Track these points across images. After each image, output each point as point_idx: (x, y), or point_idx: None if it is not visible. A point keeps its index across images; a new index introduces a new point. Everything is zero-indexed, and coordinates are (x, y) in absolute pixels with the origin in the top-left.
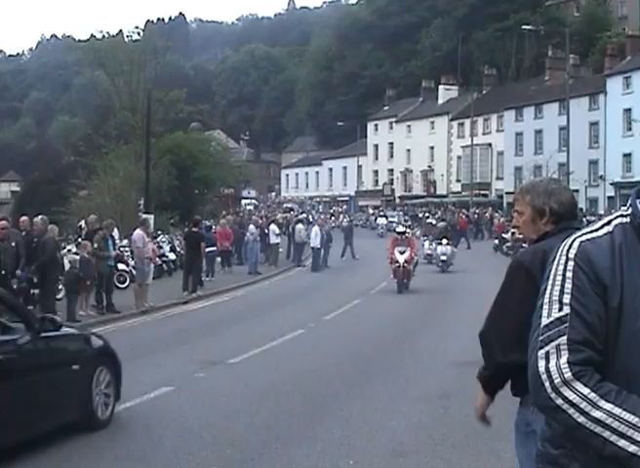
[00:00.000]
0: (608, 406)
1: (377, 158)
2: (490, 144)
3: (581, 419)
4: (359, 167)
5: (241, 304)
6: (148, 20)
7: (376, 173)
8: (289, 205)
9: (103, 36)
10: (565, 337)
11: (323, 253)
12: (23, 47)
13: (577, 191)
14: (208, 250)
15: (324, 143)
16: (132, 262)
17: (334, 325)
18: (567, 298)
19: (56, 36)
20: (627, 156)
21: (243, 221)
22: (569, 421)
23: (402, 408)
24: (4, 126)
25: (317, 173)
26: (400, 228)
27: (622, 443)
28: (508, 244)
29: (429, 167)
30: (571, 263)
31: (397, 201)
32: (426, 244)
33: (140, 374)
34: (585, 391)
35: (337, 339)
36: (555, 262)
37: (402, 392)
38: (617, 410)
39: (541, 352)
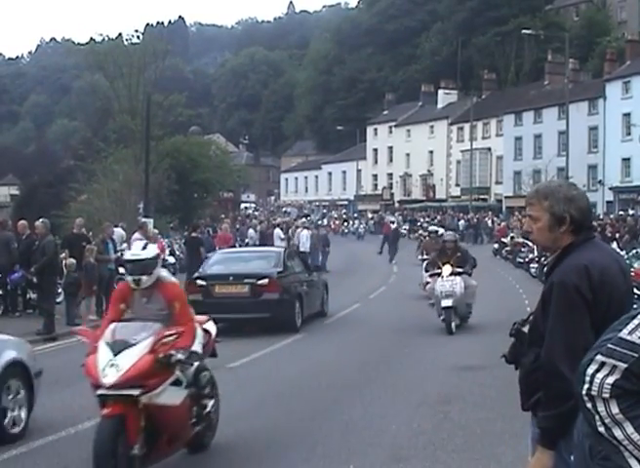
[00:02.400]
0: (630, 430)
1: (376, 162)
2: (489, 149)
3: (601, 429)
4: (358, 171)
5: None
6: (148, 24)
7: (375, 177)
8: (287, 209)
9: (103, 39)
10: (625, 365)
11: (321, 257)
12: (23, 50)
13: None
14: (207, 254)
15: (323, 147)
16: None
17: (333, 329)
18: None
19: (55, 39)
20: (626, 161)
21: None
22: (590, 422)
23: (402, 412)
24: (3, 129)
25: (316, 177)
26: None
27: (630, 461)
28: (508, 248)
29: (429, 171)
30: None
31: (396, 205)
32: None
33: None
34: (615, 411)
35: (336, 344)
36: None
37: (402, 397)
38: (636, 436)
39: (599, 358)
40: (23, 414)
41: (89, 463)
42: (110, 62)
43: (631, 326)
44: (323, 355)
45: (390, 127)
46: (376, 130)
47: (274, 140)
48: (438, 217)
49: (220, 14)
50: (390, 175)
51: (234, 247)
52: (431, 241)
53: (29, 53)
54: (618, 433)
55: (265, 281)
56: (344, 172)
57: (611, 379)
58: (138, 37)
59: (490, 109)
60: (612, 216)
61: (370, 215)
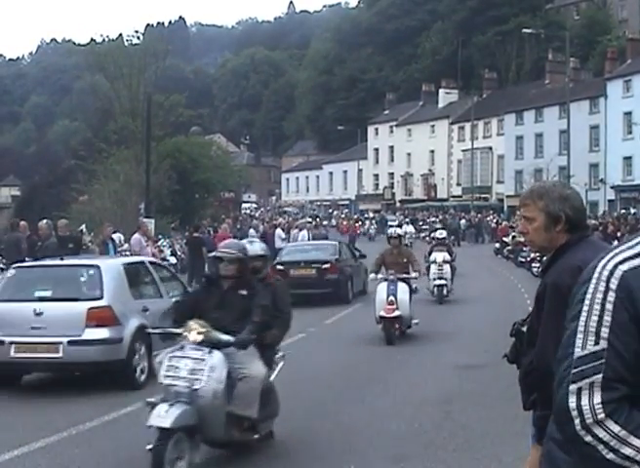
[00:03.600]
0: (637, 441)
1: (377, 162)
2: (490, 148)
3: (610, 456)
4: (359, 171)
5: None
6: (148, 24)
7: (376, 177)
8: (288, 209)
9: (103, 40)
10: (600, 376)
11: None
12: (23, 51)
13: None
14: (209, 255)
15: (324, 147)
16: None
17: (334, 329)
18: (605, 332)
19: (56, 40)
20: (628, 159)
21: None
22: (595, 455)
23: (403, 412)
24: (4, 130)
25: (317, 177)
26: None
27: None
28: (509, 248)
29: (430, 171)
30: (612, 295)
31: (398, 205)
32: (433, 269)
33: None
34: (616, 429)
35: (337, 343)
36: (592, 287)
37: (403, 396)
38: None
39: (573, 387)
40: (146, 365)
41: (89, 463)
42: (111, 63)
43: (579, 341)
44: (323, 355)
45: (391, 126)
46: (377, 129)
47: (275, 140)
48: (439, 217)
49: (220, 14)
50: (391, 175)
51: None
52: (392, 250)
53: (30, 53)
54: (627, 450)
55: (328, 265)
56: (345, 171)
57: (597, 399)
58: (138, 38)
59: (491, 108)
60: (614, 215)
61: (371, 215)
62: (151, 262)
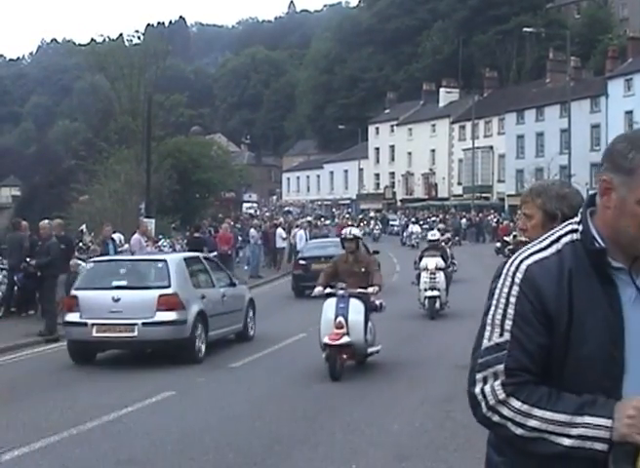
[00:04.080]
0: (540, 412)
1: (378, 161)
2: (491, 147)
3: (519, 431)
4: (360, 170)
5: None
6: (149, 24)
7: (377, 176)
8: (290, 208)
9: (104, 40)
10: (502, 366)
11: None
12: (24, 51)
13: None
14: (210, 255)
15: (325, 147)
16: None
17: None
18: (508, 325)
19: (56, 40)
20: None
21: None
22: (508, 433)
23: (404, 411)
24: (4, 130)
25: (318, 176)
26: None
27: (559, 440)
28: (510, 247)
29: (431, 170)
30: (516, 289)
31: (399, 204)
32: (424, 277)
33: (142, 379)
34: (517, 404)
35: None
36: (500, 283)
37: (404, 396)
38: (548, 414)
39: (479, 376)
40: (203, 346)
41: (90, 463)
42: (111, 63)
43: (486, 334)
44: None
45: (392, 126)
46: (377, 129)
47: (276, 140)
48: (440, 217)
49: (220, 14)
50: (392, 174)
51: (235, 246)
52: (347, 256)
53: (30, 54)
54: (533, 422)
55: None
56: (346, 171)
57: (498, 382)
58: (138, 38)
59: (491, 108)
60: None
61: (372, 215)
62: (204, 257)
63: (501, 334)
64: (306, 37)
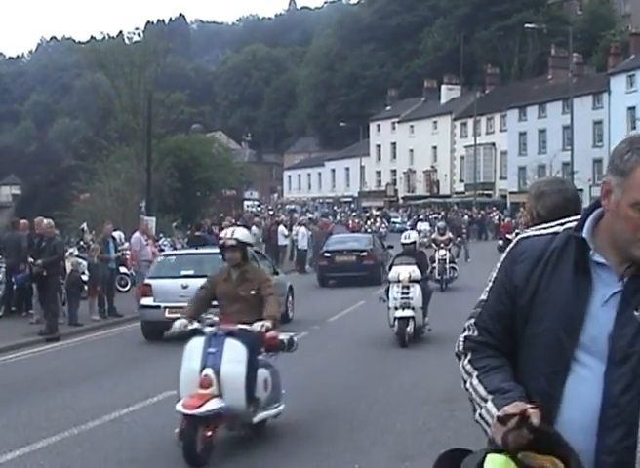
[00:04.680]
0: (475, 378)
1: (379, 158)
2: (493, 144)
3: (462, 385)
4: (362, 167)
5: None
6: (149, 22)
7: (379, 173)
8: (292, 206)
9: (104, 38)
10: (474, 320)
11: (312, 254)
12: (23, 49)
13: (581, 190)
14: None
15: (326, 144)
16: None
17: (338, 327)
18: (489, 287)
19: (55, 38)
20: None
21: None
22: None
23: (407, 411)
24: (4, 129)
25: (320, 174)
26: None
27: (477, 409)
28: None
29: (432, 167)
30: (504, 256)
31: (400, 201)
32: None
33: (143, 378)
34: (465, 361)
35: (341, 341)
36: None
37: (407, 395)
38: (475, 383)
39: (466, 323)
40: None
41: (91, 463)
42: (111, 61)
43: (485, 288)
44: (327, 353)
45: (393, 123)
46: (379, 126)
47: (277, 137)
48: (442, 214)
49: (221, 11)
50: (394, 172)
51: None
52: (229, 272)
53: (30, 51)
54: (468, 384)
55: (365, 253)
56: (348, 168)
57: (465, 335)
58: (138, 35)
59: (493, 104)
60: None
61: (375, 212)
62: (255, 250)
63: (485, 293)
64: (307, 34)
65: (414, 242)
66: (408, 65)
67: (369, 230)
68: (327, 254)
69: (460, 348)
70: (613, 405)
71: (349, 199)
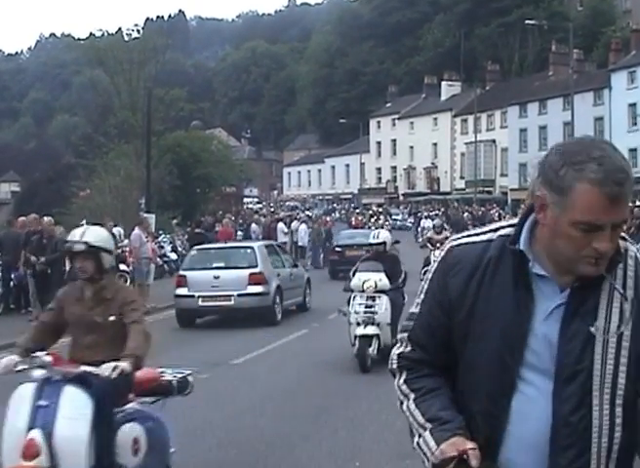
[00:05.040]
0: (411, 402)
1: (379, 155)
2: (494, 141)
3: (398, 405)
4: (362, 164)
5: None
6: (148, 18)
7: (379, 170)
8: (294, 204)
9: (103, 34)
10: (406, 334)
11: (322, 254)
12: (22, 46)
13: None
14: None
15: (326, 141)
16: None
17: (338, 324)
18: (421, 299)
19: (55, 35)
20: (633, 151)
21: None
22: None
23: None
24: (3, 126)
25: (319, 170)
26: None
27: (415, 434)
28: None
29: (433, 164)
30: (435, 266)
31: (401, 198)
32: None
33: None
34: (401, 381)
35: (341, 339)
36: (437, 258)
37: None
38: (412, 407)
39: (399, 336)
40: (280, 313)
41: None
42: (110, 58)
43: (416, 300)
44: (327, 351)
45: (393, 119)
46: (379, 122)
47: (276, 134)
48: (441, 211)
49: (220, 7)
50: (394, 168)
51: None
52: (82, 289)
53: (29, 48)
54: (404, 406)
55: (382, 249)
56: (348, 165)
57: (399, 351)
58: (138, 32)
59: (494, 101)
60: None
61: (380, 210)
62: (277, 244)
63: (417, 306)
64: (307, 31)
65: (384, 243)
66: (408, 62)
67: (372, 227)
68: (338, 249)
69: (394, 366)
70: (565, 424)
71: (349, 196)
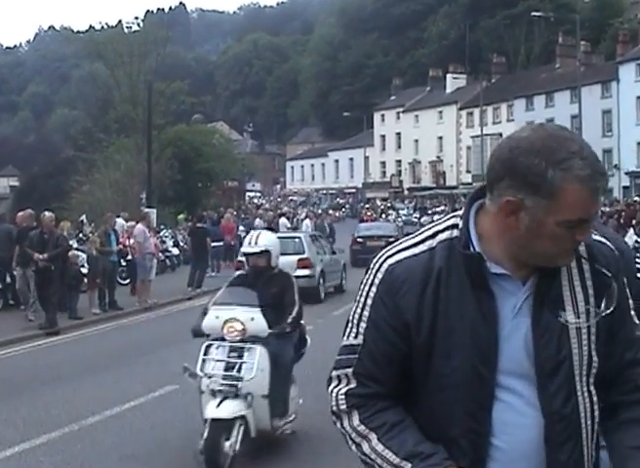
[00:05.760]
0: (374, 442)
1: (384, 149)
2: (500, 134)
3: (354, 448)
4: (366, 158)
5: None
6: (148, 11)
7: (383, 164)
8: (302, 199)
9: (102, 27)
10: (351, 370)
11: None
12: (21, 39)
13: None
14: (213, 244)
15: (329, 134)
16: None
17: (343, 320)
18: (362, 328)
19: (54, 27)
20: None
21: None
22: (348, 445)
23: None
24: (2, 120)
25: (323, 164)
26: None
27: None
28: None
29: (438, 157)
30: (374, 290)
31: (406, 192)
32: (209, 368)
33: (145, 372)
34: (356, 422)
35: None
36: (365, 279)
37: None
38: (380, 448)
39: (334, 374)
40: (323, 293)
41: (92, 459)
42: (110, 50)
43: (347, 330)
44: (332, 348)
45: (398, 112)
46: (383, 116)
47: (279, 128)
48: (447, 206)
49: None
50: (399, 162)
51: (238, 236)
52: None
53: (28, 41)
54: (365, 447)
55: (392, 238)
56: (352, 159)
57: (344, 390)
58: (138, 24)
59: (500, 94)
60: (627, 200)
61: (379, 204)
62: (318, 234)
63: (356, 336)
64: (309, 23)
65: (266, 252)
66: (412, 54)
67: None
68: (359, 240)
69: (343, 407)
70: (559, 419)
71: (353, 190)
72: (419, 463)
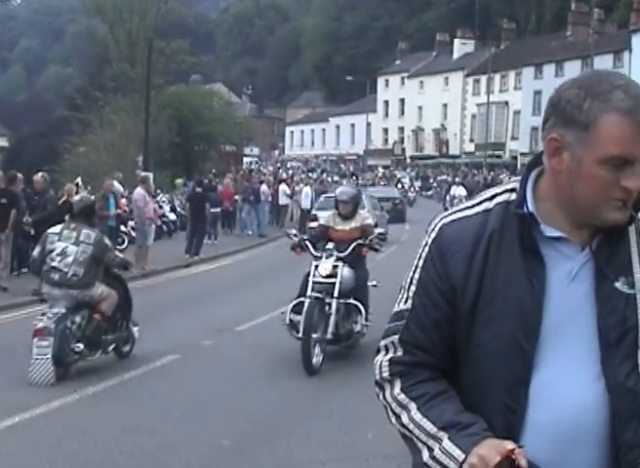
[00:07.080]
0: (414, 411)
1: (387, 115)
2: (506, 103)
3: (393, 420)
4: (368, 124)
5: (246, 268)
6: None
7: (385, 131)
8: (312, 165)
9: None
10: (397, 337)
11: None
12: None
13: None
14: (211, 211)
15: (331, 99)
16: (131, 223)
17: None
18: (412, 291)
19: None
20: None
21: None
22: (389, 418)
23: None
24: None
25: (323, 130)
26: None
27: (422, 450)
28: None
29: (442, 125)
30: (426, 250)
31: (408, 161)
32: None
33: (145, 341)
34: (397, 391)
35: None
36: (424, 241)
37: None
38: (418, 417)
39: (382, 343)
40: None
41: (91, 429)
42: (109, 6)
43: (399, 296)
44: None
45: (402, 78)
46: (387, 81)
47: (279, 91)
48: (451, 175)
49: None
50: (402, 129)
51: (236, 202)
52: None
53: None
54: (405, 419)
55: (397, 200)
56: (353, 125)
57: (388, 356)
58: None
59: (508, 61)
60: None
61: (381, 171)
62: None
63: (406, 301)
64: None
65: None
66: (420, 17)
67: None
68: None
69: (386, 374)
70: (625, 392)
71: (354, 157)
72: (456, 433)
